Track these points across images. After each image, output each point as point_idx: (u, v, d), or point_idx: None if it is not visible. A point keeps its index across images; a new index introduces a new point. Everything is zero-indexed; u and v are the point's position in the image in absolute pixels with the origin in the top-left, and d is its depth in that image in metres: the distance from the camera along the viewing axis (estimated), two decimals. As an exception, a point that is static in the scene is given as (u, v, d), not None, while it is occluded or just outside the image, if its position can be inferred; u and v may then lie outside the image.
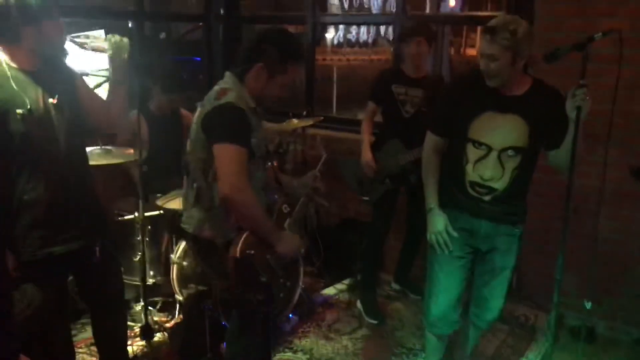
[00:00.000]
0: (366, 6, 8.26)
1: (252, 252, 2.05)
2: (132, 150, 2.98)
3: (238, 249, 2.03)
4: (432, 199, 2.44)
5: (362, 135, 3.41)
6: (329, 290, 3.82)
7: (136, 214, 2.96)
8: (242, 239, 2.05)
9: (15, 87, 1.97)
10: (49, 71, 2.09)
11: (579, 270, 3.22)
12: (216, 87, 2.11)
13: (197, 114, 2.12)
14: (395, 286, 3.86)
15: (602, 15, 2.96)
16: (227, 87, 2.07)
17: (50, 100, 2.05)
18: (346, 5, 7.95)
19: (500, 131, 2.24)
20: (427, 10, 7.09)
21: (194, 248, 2.31)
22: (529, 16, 3.10)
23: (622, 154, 2.95)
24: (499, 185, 2.30)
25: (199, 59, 5.26)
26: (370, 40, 10.55)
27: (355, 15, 7.68)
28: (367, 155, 3.34)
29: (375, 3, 8.42)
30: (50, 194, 2.08)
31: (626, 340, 3.24)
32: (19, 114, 1.96)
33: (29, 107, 1.98)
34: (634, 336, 3.22)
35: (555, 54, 2.00)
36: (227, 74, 2.13)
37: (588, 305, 2.33)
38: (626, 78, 2.90)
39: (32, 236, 2.07)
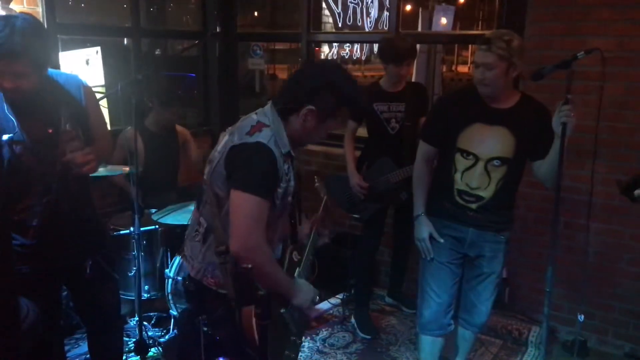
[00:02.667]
0: (359, 24, 8.37)
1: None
2: (127, 168, 2.99)
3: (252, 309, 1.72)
4: (419, 206, 2.54)
5: (346, 156, 3.42)
6: (323, 305, 3.83)
7: (131, 228, 2.97)
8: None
9: (6, 111, 1.97)
10: (49, 95, 2.06)
11: (571, 284, 3.26)
12: (253, 116, 1.87)
13: (223, 142, 1.87)
14: (389, 300, 3.88)
15: (590, 34, 3.03)
16: (264, 122, 1.82)
17: (48, 130, 2.02)
18: (340, 24, 8.06)
19: (488, 142, 2.34)
20: (419, 29, 7.19)
21: (194, 294, 2.03)
22: (520, 34, 3.16)
23: (610, 169, 3.01)
24: (485, 194, 2.38)
25: (194, 75, 5.31)
26: (363, 58, 10.68)
27: (349, 34, 7.78)
28: (355, 177, 3.35)
29: (368, 21, 8.54)
30: (41, 215, 2.08)
31: (617, 354, 3.27)
32: (8, 138, 1.94)
33: (17, 132, 1.96)
34: (625, 350, 3.25)
35: (540, 72, 2.08)
36: (269, 106, 1.88)
37: (581, 318, 2.36)
38: (614, 95, 2.99)
39: (22, 253, 2.07)
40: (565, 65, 2.06)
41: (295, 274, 2.02)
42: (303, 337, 2.05)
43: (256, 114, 1.89)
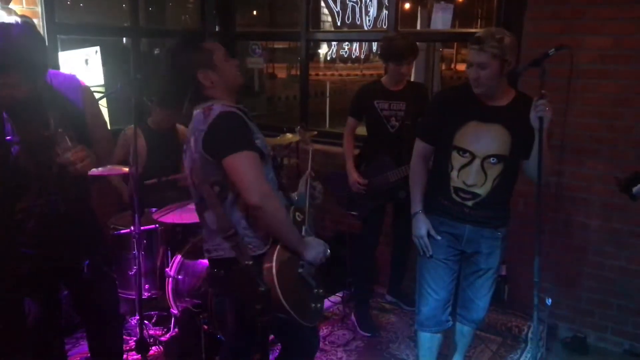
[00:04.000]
0: (358, 23, 8.38)
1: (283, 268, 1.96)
2: (126, 169, 2.99)
3: (273, 265, 1.93)
4: (417, 204, 2.55)
5: (345, 153, 3.44)
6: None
7: (132, 227, 2.98)
8: (275, 255, 1.95)
9: (2, 115, 1.97)
10: (46, 98, 2.05)
11: (570, 281, 3.27)
12: (196, 112, 2.02)
13: (192, 141, 1.99)
14: (388, 298, 3.90)
15: (587, 32, 3.03)
16: (206, 105, 1.99)
17: (45, 133, 2.02)
18: (339, 22, 8.07)
19: (484, 140, 2.35)
20: (418, 27, 7.19)
21: (227, 274, 2.09)
22: (517, 33, 3.18)
23: (609, 167, 3.02)
24: (482, 191, 2.40)
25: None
26: (362, 56, 10.68)
27: (348, 32, 7.78)
28: (353, 175, 3.36)
29: (367, 20, 8.55)
30: (38, 216, 2.09)
31: (617, 351, 3.28)
32: (6, 140, 1.96)
33: (16, 134, 1.98)
34: (624, 346, 3.26)
35: (515, 71, 2.11)
36: (196, 108, 2.03)
37: (548, 302, 2.40)
38: (611, 93, 3.00)
39: (21, 253, 2.09)
40: (537, 63, 2.11)
41: (303, 232, 2.14)
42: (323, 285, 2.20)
43: (196, 110, 2.03)
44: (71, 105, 2.12)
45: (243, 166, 1.87)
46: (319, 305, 2.15)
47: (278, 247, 1.99)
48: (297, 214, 2.16)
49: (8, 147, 1.97)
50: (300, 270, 2.04)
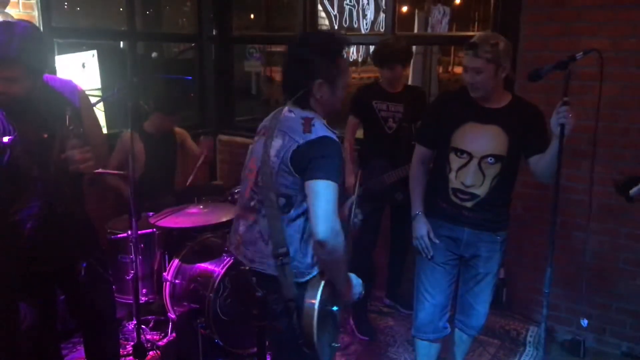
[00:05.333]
0: (356, 26, 8.40)
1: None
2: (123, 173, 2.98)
3: (317, 304, 1.86)
4: (417, 206, 2.56)
5: (344, 155, 3.37)
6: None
7: (129, 232, 2.97)
8: (320, 292, 1.88)
9: (2, 116, 1.97)
10: (44, 99, 2.07)
11: (568, 283, 3.27)
12: (288, 115, 1.92)
13: (277, 147, 1.88)
14: (386, 302, 3.88)
15: (584, 34, 3.04)
16: (307, 116, 1.88)
17: (43, 134, 2.04)
18: (336, 26, 8.08)
19: (481, 140, 2.36)
20: (415, 30, 7.21)
21: (258, 285, 2.00)
22: (515, 35, 3.19)
23: (607, 169, 3.02)
24: (480, 191, 2.40)
25: (190, 77, 5.31)
26: (359, 59, 10.69)
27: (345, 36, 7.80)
28: (351, 179, 3.34)
29: (365, 23, 8.56)
30: (35, 217, 2.08)
31: (615, 353, 3.28)
32: (7, 141, 1.96)
33: (15, 135, 1.98)
34: (622, 349, 3.26)
35: (538, 72, 2.08)
36: (289, 106, 1.96)
37: (584, 323, 2.39)
38: (609, 95, 3.00)
39: (18, 255, 2.08)
40: (562, 66, 2.05)
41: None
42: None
43: (290, 111, 1.93)
44: (71, 105, 2.13)
45: (326, 196, 1.79)
46: (336, 345, 2.10)
47: (323, 282, 1.91)
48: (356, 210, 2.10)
49: (6, 148, 1.97)
50: (334, 308, 1.98)
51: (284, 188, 1.87)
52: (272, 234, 1.89)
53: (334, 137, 1.87)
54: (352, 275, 2.06)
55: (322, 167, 1.80)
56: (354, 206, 2.13)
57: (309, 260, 1.91)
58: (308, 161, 1.82)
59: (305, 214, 1.88)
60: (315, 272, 1.92)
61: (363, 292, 2.08)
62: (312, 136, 1.83)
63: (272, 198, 1.88)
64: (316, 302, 1.86)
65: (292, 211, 1.88)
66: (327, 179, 1.79)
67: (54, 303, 2.39)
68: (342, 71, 1.93)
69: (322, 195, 1.79)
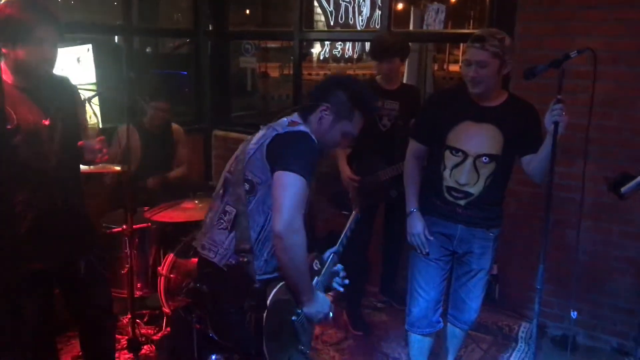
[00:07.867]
0: (351, 22, 8.40)
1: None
2: (118, 168, 2.98)
3: (268, 301, 1.82)
4: (412, 203, 2.57)
5: (337, 151, 3.39)
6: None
7: (124, 226, 2.97)
8: (274, 291, 1.85)
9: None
10: (46, 88, 2.08)
11: (560, 280, 3.30)
12: (284, 118, 2.00)
13: (258, 136, 1.96)
14: (381, 297, 3.90)
15: (578, 34, 3.06)
16: (297, 121, 1.97)
17: (44, 121, 2.05)
18: (332, 22, 8.09)
19: (476, 139, 2.37)
20: (411, 27, 7.21)
21: (210, 277, 2.01)
22: (510, 34, 3.19)
23: (599, 167, 3.04)
24: (474, 190, 2.41)
25: (185, 73, 5.31)
26: (355, 56, 10.72)
27: (341, 32, 7.80)
28: (346, 171, 3.34)
29: (360, 20, 8.57)
30: (36, 209, 2.08)
31: (605, 348, 3.31)
32: (7, 130, 1.95)
33: (16, 123, 1.98)
34: (613, 345, 3.29)
35: (533, 71, 2.09)
36: (295, 113, 2.04)
37: (574, 315, 2.41)
38: (601, 94, 3.02)
39: (17, 250, 2.07)
40: (557, 64, 2.07)
41: (314, 282, 2.00)
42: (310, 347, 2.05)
43: (286, 118, 2.01)
44: (77, 95, 2.16)
45: (291, 189, 1.75)
46: (305, 349, 2.01)
47: (282, 284, 1.87)
48: (316, 261, 2.04)
49: (7, 137, 1.97)
50: (294, 318, 1.90)
51: (251, 175, 1.89)
52: (237, 229, 1.88)
53: (315, 141, 1.91)
54: (321, 295, 1.99)
55: (295, 161, 1.78)
56: (351, 224, 2.22)
57: (261, 263, 1.89)
58: (283, 148, 1.83)
59: (267, 212, 1.86)
60: (266, 277, 1.90)
61: (331, 316, 2.00)
62: (294, 129, 1.90)
63: (239, 184, 1.89)
64: (267, 300, 1.81)
65: (252, 200, 1.87)
66: (298, 173, 1.76)
67: (50, 298, 2.39)
68: (351, 121, 2.00)
69: (290, 187, 1.75)
